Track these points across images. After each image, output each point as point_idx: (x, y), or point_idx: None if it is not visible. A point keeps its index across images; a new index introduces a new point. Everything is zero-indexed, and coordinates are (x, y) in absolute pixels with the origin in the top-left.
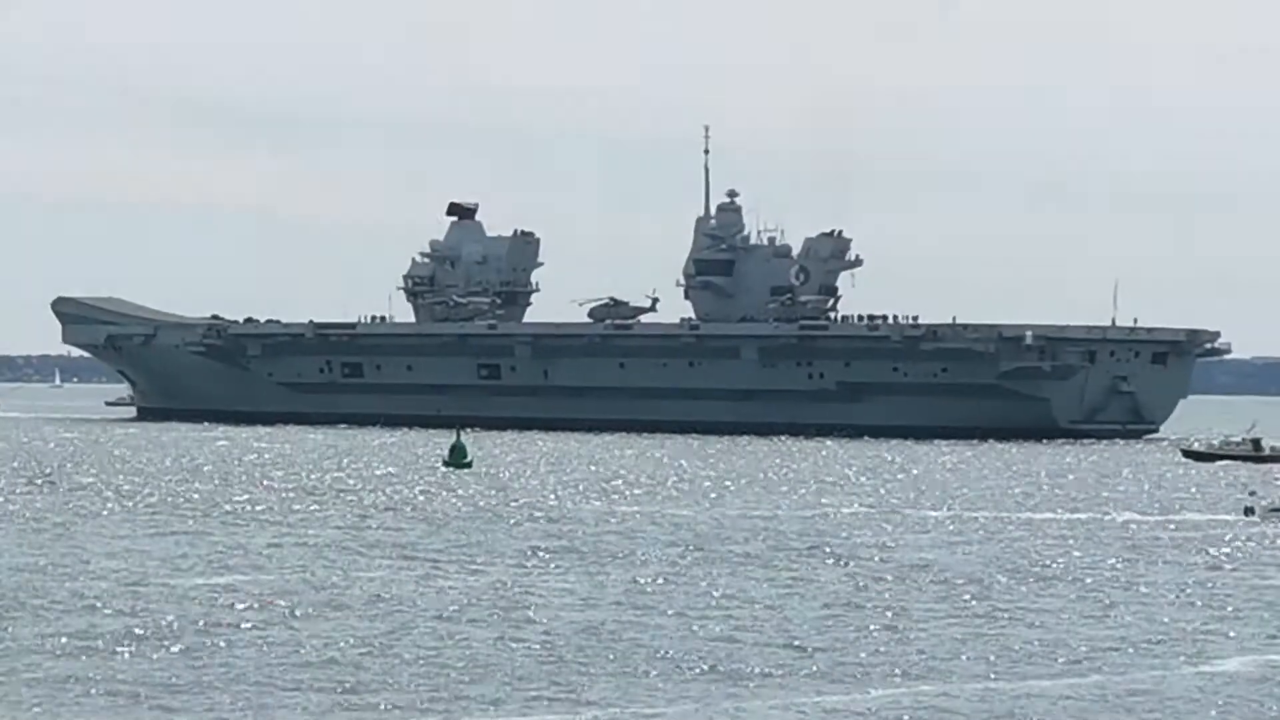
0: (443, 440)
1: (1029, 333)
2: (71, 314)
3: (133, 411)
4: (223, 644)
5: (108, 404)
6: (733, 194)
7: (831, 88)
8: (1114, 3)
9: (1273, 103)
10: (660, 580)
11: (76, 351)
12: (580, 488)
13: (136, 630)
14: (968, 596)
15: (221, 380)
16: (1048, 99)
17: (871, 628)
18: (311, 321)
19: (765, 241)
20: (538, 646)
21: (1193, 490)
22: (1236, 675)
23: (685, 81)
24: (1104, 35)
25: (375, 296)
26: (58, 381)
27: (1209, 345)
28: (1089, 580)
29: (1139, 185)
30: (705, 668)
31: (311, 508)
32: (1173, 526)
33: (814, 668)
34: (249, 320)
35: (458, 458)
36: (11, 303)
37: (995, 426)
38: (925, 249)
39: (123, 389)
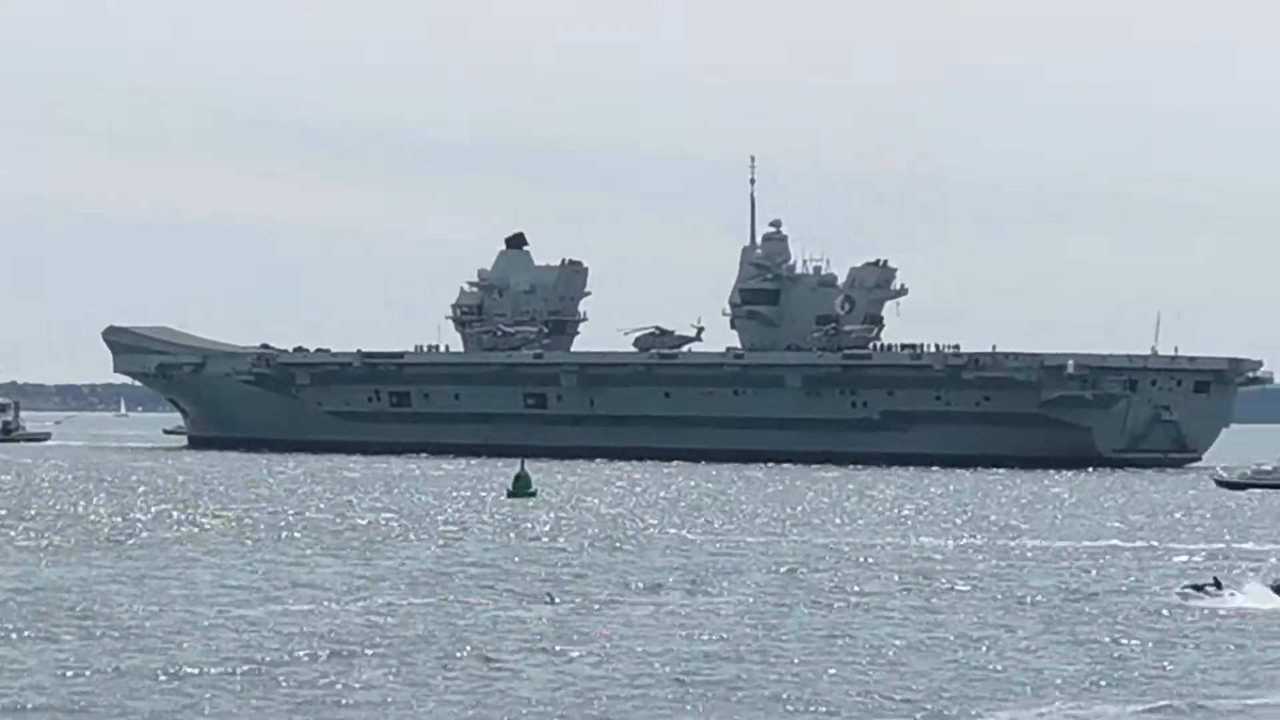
0: (489, 469)
1: (1071, 362)
2: (123, 343)
3: (184, 440)
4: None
5: (165, 432)
6: (777, 223)
7: (878, 115)
8: (1162, 24)
9: None
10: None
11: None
12: (678, 517)
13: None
14: None
15: (271, 409)
16: (1087, 120)
17: None
18: (360, 351)
19: (811, 271)
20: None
21: None
22: None
23: (732, 110)
24: (1146, 52)
25: (425, 324)
26: (122, 410)
27: (1251, 375)
28: None
29: (1181, 210)
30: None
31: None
32: None
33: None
34: (298, 349)
35: (522, 487)
36: (75, 330)
37: (1038, 455)
38: (969, 277)
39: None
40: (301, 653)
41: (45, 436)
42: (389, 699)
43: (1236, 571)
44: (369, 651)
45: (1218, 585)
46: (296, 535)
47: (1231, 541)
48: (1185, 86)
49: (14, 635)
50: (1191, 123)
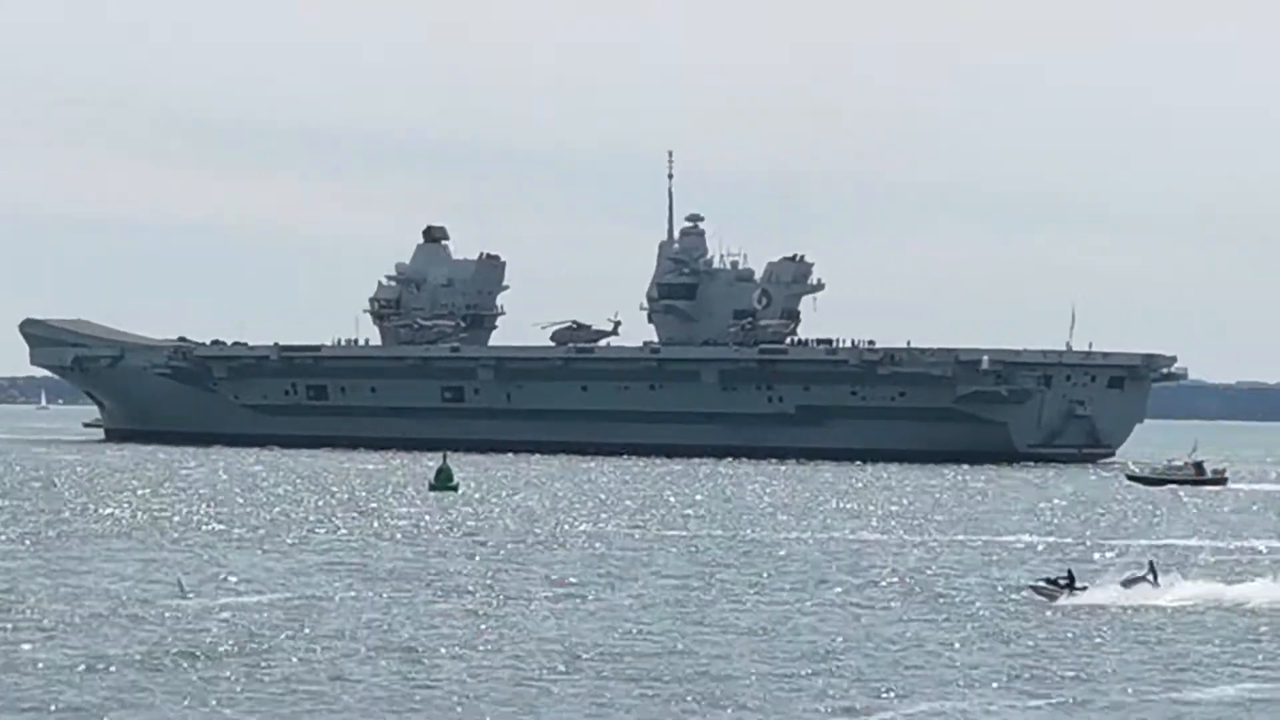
0: (410, 462)
1: (985, 357)
2: (39, 335)
3: (101, 434)
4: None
5: (84, 425)
6: (695, 218)
7: (794, 112)
8: (1081, 25)
9: (1232, 129)
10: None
11: None
12: (598, 512)
13: None
14: None
15: (188, 402)
16: (1006, 119)
17: None
18: (277, 344)
19: (728, 265)
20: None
21: None
22: None
23: (650, 107)
24: (1061, 56)
25: (343, 318)
26: (43, 403)
27: (1165, 371)
28: None
29: (1098, 209)
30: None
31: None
32: None
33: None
34: (215, 342)
35: (443, 481)
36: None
37: (953, 450)
38: (885, 273)
39: None
40: (221, 644)
41: None
42: (312, 689)
43: (1099, 567)
44: (287, 641)
45: (1070, 580)
46: (213, 528)
47: (1107, 539)
48: (1107, 90)
49: None
50: (1109, 124)
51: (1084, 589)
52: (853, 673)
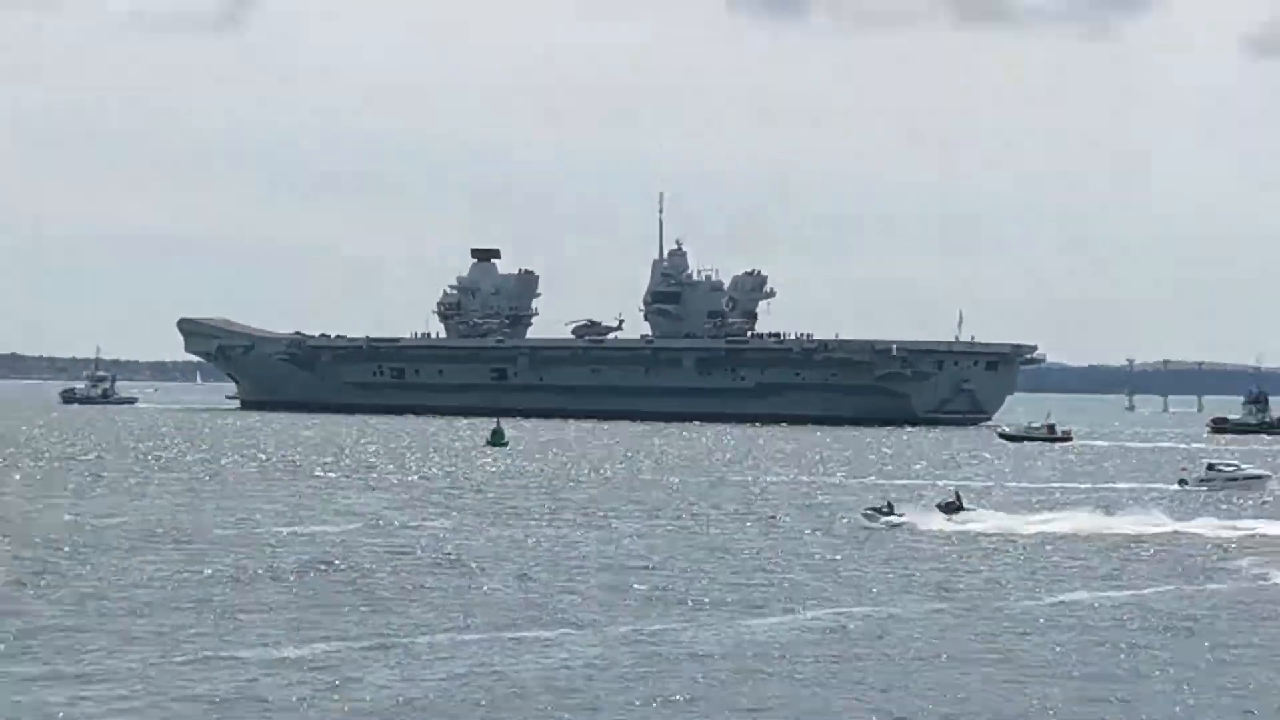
0: (467, 426)
1: (895, 346)
2: (191, 330)
3: (238, 404)
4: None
5: (227, 397)
6: (680, 243)
7: (754, 166)
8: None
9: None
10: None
11: None
12: (607, 462)
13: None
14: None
15: (301, 381)
16: (911, 169)
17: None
18: (367, 337)
19: (704, 279)
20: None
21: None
22: None
23: (648, 159)
24: (965, 97)
25: (418, 317)
26: (199, 381)
27: (1029, 356)
28: None
29: (978, 232)
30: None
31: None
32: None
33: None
34: (322, 335)
35: (497, 439)
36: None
37: (871, 416)
38: (820, 283)
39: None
40: (338, 561)
41: (133, 400)
42: (402, 594)
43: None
44: (386, 557)
45: (890, 508)
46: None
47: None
48: (980, 137)
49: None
50: (987, 163)
51: (902, 515)
52: (772, 580)
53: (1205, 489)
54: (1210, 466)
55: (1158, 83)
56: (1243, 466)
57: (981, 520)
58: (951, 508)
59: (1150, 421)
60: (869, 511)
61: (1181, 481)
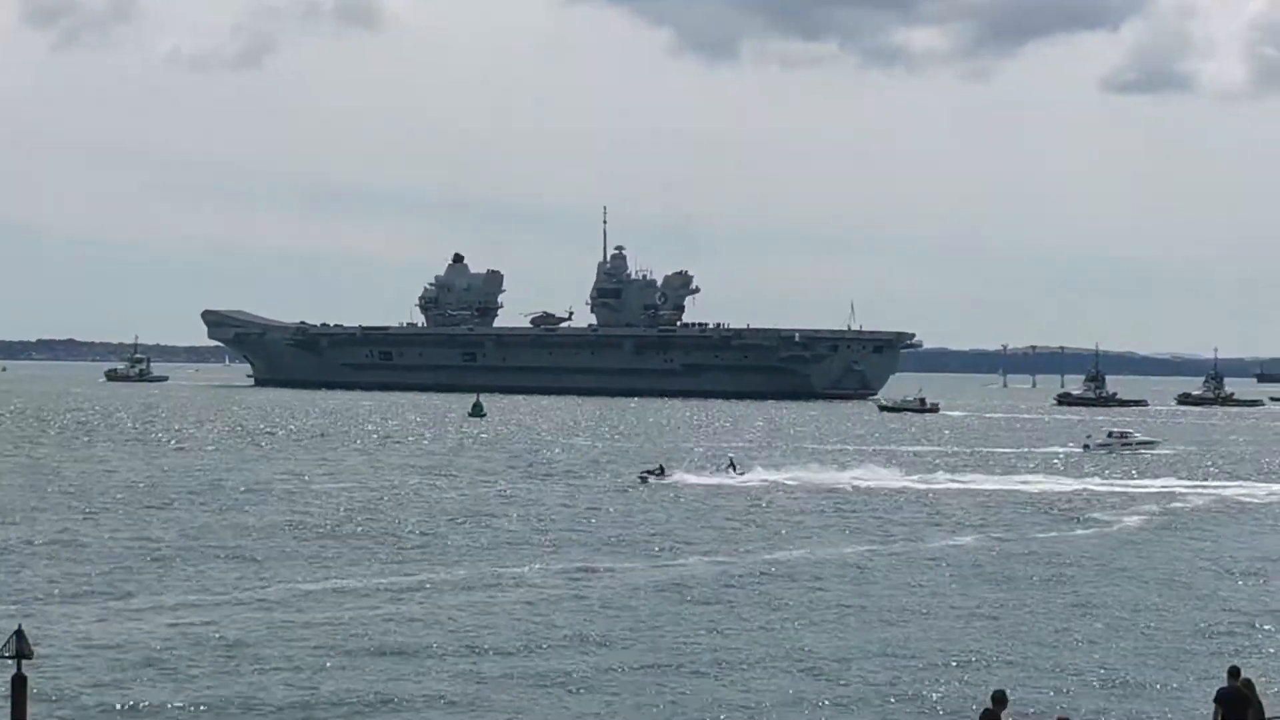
0: (445, 400)
1: (797, 334)
2: (213, 320)
3: (253, 382)
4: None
5: (247, 376)
6: (620, 248)
7: (685, 181)
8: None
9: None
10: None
11: None
12: (568, 431)
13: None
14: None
15: (305, 362)
16: (813, 184)
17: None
18: (361, 326)
19: (640, 277)
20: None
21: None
22: None
23: (593, 179)
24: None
25: (403, 309)
26: (226, 363)
27: (909, 342)
28: None
29: (869, 238)
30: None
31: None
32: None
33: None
34: (323, 324)
35: (477, 411)
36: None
37: (776, 392)
38: (734, 282)
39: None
40: (342, 512)
41: (164, 379)
42: (405, 544)
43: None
44: (390, 510)
45: (661, 471)
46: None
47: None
48: (874, 157)
49: (147, 506)
50: (884, 175)
51: (671, 476)
52: (650, 531)
53: (1105, 451)
54: (1110, 434)
55: (1027, 118)
56: (1135, 434)
57: (713, 479)
58: (653, 474)
59: (1018, 395)
60: (643, 474)
61: (1085, 446)
